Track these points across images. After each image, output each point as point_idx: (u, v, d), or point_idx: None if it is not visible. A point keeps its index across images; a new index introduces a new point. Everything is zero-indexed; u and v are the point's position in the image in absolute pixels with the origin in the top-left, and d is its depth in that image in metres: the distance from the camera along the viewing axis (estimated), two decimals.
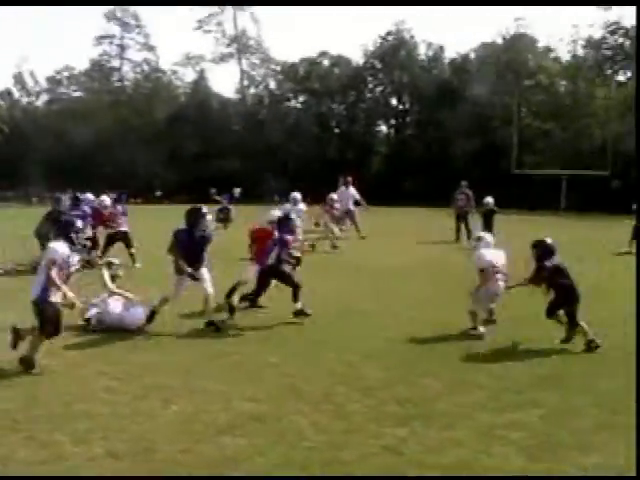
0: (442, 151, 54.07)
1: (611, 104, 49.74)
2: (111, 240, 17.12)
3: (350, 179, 24.63)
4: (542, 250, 9.60)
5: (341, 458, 5.81)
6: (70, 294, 8.10)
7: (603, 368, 8.42)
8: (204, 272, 10.30)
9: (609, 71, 56.23)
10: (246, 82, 67.58)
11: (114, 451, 5.89)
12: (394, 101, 63.76)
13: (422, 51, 63.08)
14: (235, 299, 11.45)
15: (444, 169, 49.67)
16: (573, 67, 56.47)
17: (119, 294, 10.58)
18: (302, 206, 19.95)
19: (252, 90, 67.95)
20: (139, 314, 10.25)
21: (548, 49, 59.45)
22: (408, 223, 30.72)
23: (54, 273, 7.92)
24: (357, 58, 64.02)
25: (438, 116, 55.82)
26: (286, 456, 5.83)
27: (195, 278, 10.14)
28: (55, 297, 8.03)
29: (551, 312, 9.45)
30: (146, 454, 5.85)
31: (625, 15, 54.07)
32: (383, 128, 65.62)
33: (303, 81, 63.16)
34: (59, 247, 8.13)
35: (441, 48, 62.77)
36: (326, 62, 64.82)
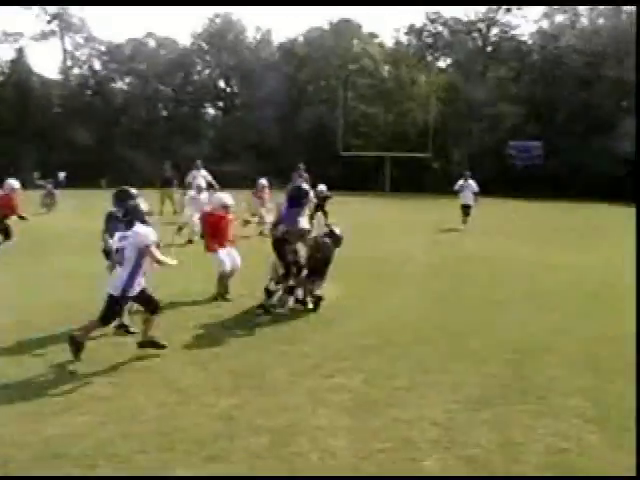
0: (272, 134, 54.38)
1: (432, 89, 51.96)
2: None
3: (201, 161, 24.71)
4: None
5: (177, 426, 6.01)
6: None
7: (419, 335, 9.04)
8: None
9: (430, 58, 58.69)
10: (69, 62, 65.15)
11: None
12: (222, 84, 63.65)
13: (250, 34, 63.35)
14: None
15: (274, 152, 50.17)
16: (396, 53, 58.48)
17: None
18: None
19: (76, 70, 65.57)
20: None
21: (373, 35, 61.30)
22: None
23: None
24: (184, 40, 63.44)
25: (266, 99, 56.18)
26: (126, 429, 5.95)
27: None
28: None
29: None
30: None
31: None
32: (211, 111, 65.35)
33: (129, 62, 61.72)
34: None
35: (269, 32, 63.25)
36: (152, 43, 63.67)
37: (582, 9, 54.63)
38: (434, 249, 18.13)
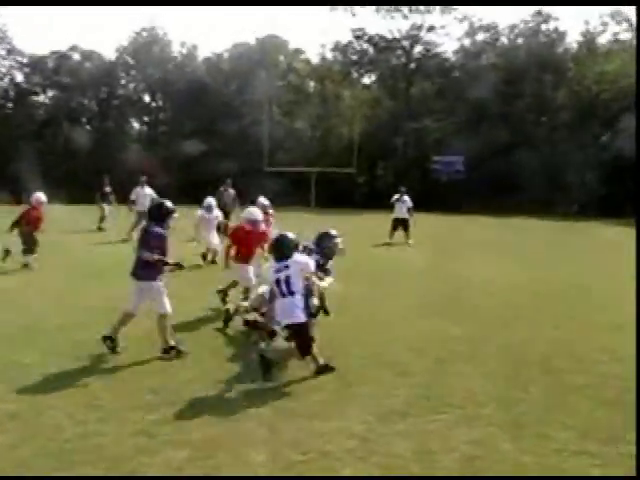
0: (196, 149, 53.91)
1: (357, 105, 52.51)
2: None
3: (145, 178, 24.26)
4: None
5: (97, 443, 5.98)
6: None
7: (340, 348, 9.15)
8: None
9: (355, 74, 59.31)
10: None
11: None
12: (147, 98, 63.10)
13: (176, 49, 63.03)
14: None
15: (198, 167, 49.85)
16: (322, 69, 58.95)
17: None
18: (217, 213, 18.49)
19: None
20: None
21: (299, 51, 61.69)
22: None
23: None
24: (109, 54, 62.72)
25: (191, 114, 55.91)
26: (43, 448, 5.89)
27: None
28: None
29: None
30: None
31: (370, 21, 57.43)
32: (136, 125, 64.69)
33: (52, 75, 60.65)
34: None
35: (195, 46, 63.03)
36: (77, 56, 62.70)
37: (502, 28, 56.11)
38: (372, 261, 18.15)
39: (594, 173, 45.39)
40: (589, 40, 54.51)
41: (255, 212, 11.92)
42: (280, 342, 8.65)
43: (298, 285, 7.99)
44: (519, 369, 8.43)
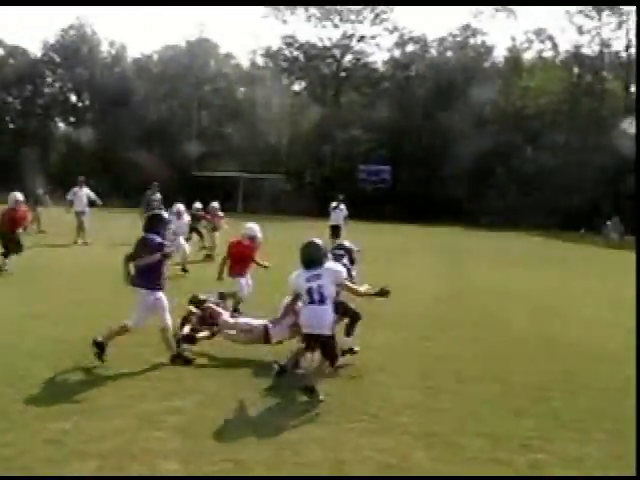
0: (123, 152, 53.24)
1: (286, 112, 52.61)
2: None
3: (84, 178, 23.82)
4: None
5: (3, 454, 5.78)
6: None
7: (259, 358, 9.11)
8: None
9: (285, 81, 59.43)
10: None
11: None
12: (74, 97, 61.98)
13: (105, 48, 62.10)
14: None
15: (125, 170, 49.22)
16: (252, 75, 58.87)
17: None
18: (187, 218, 18.45)
19: None
20: None
21: (229, 55, 61.49)
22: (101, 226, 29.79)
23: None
24: (35, 50, 61.39)
25: (118, 115, 55.16)
26: None
27: None
28: None
29: None
30: None
31: (301, 29, 57.60)
32: (61, 124, 63.45)
33: None
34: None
35: (124, 47, 62.25)
36: (0, 51, 61.21)
37: (431, 41, 57.04)
38: None
39: (516, 185, 46.60)
40: (515, 56, 55.87)
41: (254, 228, 12.12)
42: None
43: (330, 294, 7.81)
44: (434, 379, 8.53)
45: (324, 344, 7.76)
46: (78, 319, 10.93)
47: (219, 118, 56.19)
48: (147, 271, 8.53)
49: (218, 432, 6.44)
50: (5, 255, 15.91)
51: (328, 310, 7.75)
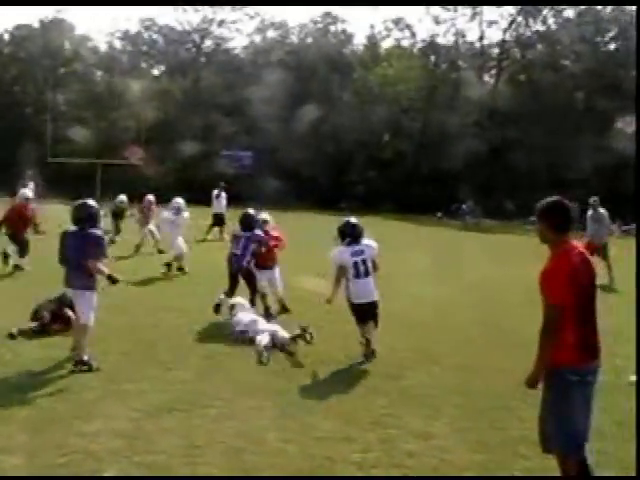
0: None
1: (145, 97, 51.45)
2: None
3: (31, 173, 22.90)
4: None
5: None
6: None
7: (115, 346, 8.99)
8: None
9: (144, 65, 58.23)
10: None
11: None
12: None
13: None
14: None
15: None
16: (110, 58, 57.34)
17: None
18: (187, 214, 16.28)
19: None
20: None
21: (86, 37, 59.46)
22: None
23: None
24: None
25: None
26: None
27: None
28: None
29: None
30: None
31: (160, 13, 56.46)
32: None
33: None
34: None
35: None
36: None
37: (292, 27, 57.33)
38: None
39: (375, 172, 47.70)
40: (373, 44, 56.84)
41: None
42: None
43: (371, 267, 8.85)
44: (286, 361, 8.74)
45: (374, 309, 8.88)
46: None
47: (75, 102, 54.25)
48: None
49: (68, 425, 6.36)
50: (22, 255, 15.24)
51: (372, 282, 8.89)
